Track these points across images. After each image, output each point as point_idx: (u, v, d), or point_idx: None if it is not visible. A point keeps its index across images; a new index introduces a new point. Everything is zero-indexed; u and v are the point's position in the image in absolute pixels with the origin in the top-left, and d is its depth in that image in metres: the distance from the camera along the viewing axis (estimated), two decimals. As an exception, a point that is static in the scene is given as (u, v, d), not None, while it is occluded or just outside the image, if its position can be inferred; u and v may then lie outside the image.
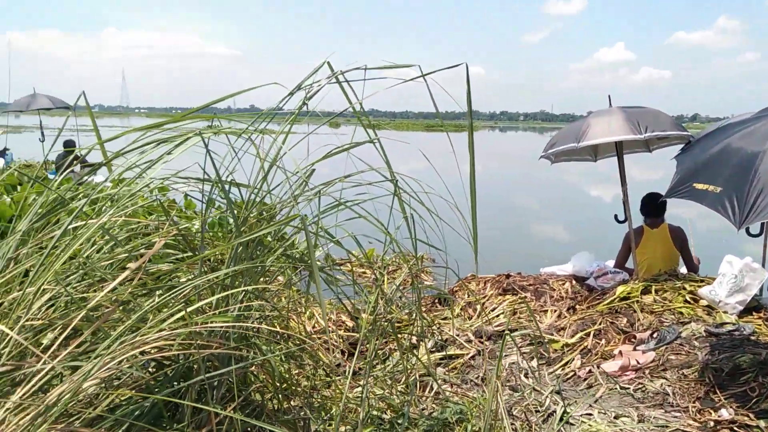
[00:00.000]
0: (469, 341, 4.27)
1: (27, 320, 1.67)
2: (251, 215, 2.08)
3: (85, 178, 9.23)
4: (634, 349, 3.85)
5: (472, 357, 4.07)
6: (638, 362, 3.65)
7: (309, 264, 2.12)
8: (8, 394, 1.66)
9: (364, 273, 6.13)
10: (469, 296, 5.28)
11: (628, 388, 3.39)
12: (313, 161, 2.25)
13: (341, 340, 4.32)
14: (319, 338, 4.28)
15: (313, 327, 4.47)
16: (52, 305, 1.83)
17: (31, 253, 1.88)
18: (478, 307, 4.93)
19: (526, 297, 5.12)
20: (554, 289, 5.26)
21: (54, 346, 1.62)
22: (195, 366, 2.00)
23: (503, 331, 4.39)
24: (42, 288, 1.69)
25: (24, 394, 1.53)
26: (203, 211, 2.19)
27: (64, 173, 2.42)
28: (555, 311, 4.78)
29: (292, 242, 2.24)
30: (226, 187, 2.06)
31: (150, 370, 2.00)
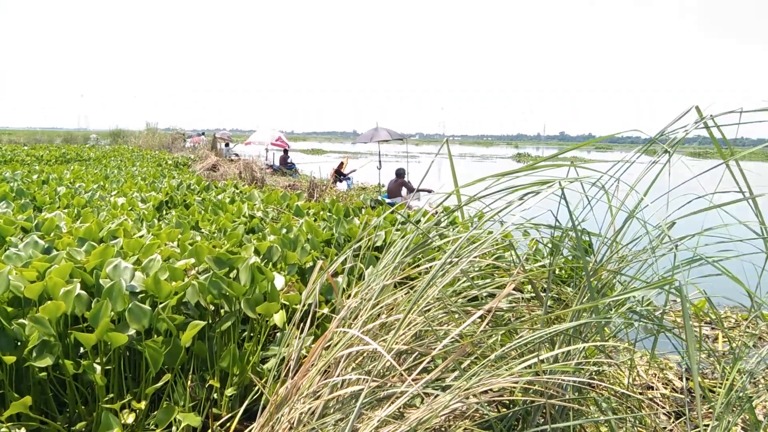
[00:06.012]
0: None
1: (395, 344, 1.87)
2: (601, 266, 2.02)
3: (412, 202, 10.12)
4: None
5: None
6: None
7: (660, 323, 1.96)
8: (373, 409, 1.88)
9: (700, 328, 5.50)
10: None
11: None
12: (671, 210, 2.08)
13: (666, 401, 3.91)
14: (641, 393, 3.94)
15: (633, 380, 4.14)
16: (412, 333, 2.03)
17: (393, 284, 2.12)
18: None
19: None
20: None
21: (416, 371, 1.78)
22: (531, 412, 2.00)
23: None
24: (408, 318, 1.88)
25: (389, 414, 1.70)
26: (551, 260, 2.20)
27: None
28: None
29: (641, 299, 2.11)
30: (572, 235, 2.03)
31: (489, 409, 2.08)
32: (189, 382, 3.15)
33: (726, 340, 4.76)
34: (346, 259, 2.94)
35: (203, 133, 42.10)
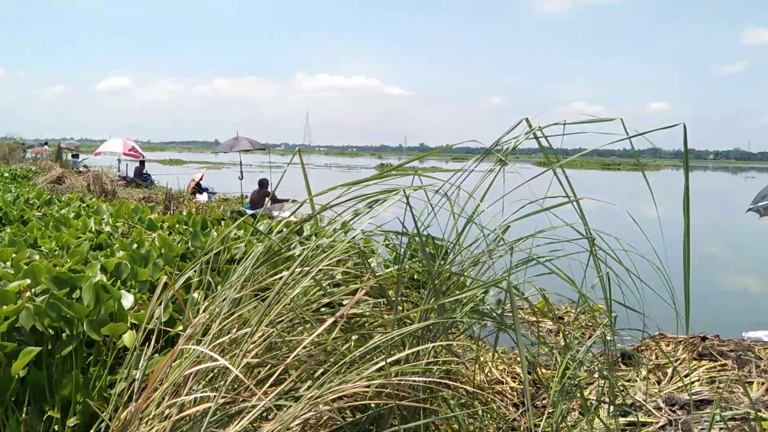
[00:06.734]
0: (659, 408, 3.90)
1: (244, 358, 1.84)
2: (445, 269, 2.12)
3: (275, 213, 9.95)
4: None
5: (662, 427, 3.71)
6: None
7: (501, 321, 2.10)
8: (224, 426, 1.83)
9: (540, 323, 5.95)
10: (657, 358, 4.85)
11: None
12: (507, 215, 2.25)
13: (515, 393, 4.19)
14: (492, 388, 4.19)
15: (486, 376, 4.39)
16: (265, 345, 2.00)
17: (249, 296, 2.08)
18: (669, 371, 4.50)
19: (726, 364, 4.58)
20: (761, 358, 4.65)
21: (267, 384, 1.76)
22: (384, 415, 2.05)
23: (699, 401, 3.96)
24: (258, 329, 1.85)
25: (240, 430, 1.67)
26: (400, 264, 2.28)
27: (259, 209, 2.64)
28: (762, 384, 4.21)
29: (482, 298, 2.25)
30: (422, 239, 2.12)
31: (343, 415, 2.10)
32: (23, 415, 2.87)
33: (564, 333, 5.17)
34: (201, 272, 2.84)
35: (47, 143, 38.65)
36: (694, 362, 4.72)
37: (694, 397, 4.04)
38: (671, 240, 2.72)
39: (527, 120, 2.26)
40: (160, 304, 2.24)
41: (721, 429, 3.45)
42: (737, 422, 3.64)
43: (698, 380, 4.37)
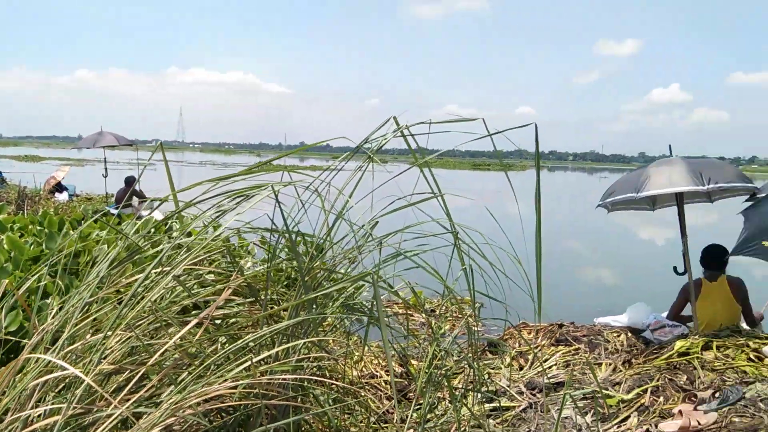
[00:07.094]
0: (521, 393, 4.17)
1: (99, 365, 1.72)
2: (315, 265, 2.12)
3: (142, 212, 9.44)
4: (695, 409, 3.68)
5: (524, 410, 3.96)
6: (699, 423, 3.48)
7: (371, 315, 2.13)
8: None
9: (411, 316, 6.12)
10: (520, 345, 5.18)
11: (690, 452, 3.24)
12: (375, 212, 2.29)
13: (388, 387, 4.28)
14: (366, 383, 4.26)
15: (360, 371, 4.45)
16: (124, 350, 1.89)
17: (106, 298, 1.96)
18: (530, 357, 4.82)
19: (579, 348, 4.98)
20: (609, 341, 5.10)
21: (124, 392, 1.67)
22: (252, 415, 2.02)
23: (556, 383, 4.27)
24: (114, 333, 1.75)
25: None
26: (269, 262, 2.24)
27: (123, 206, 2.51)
28: (610, 364, 4.63)
29: (352, 293, 2.28)
30: (291, 236, 2.11)
31: (210, 418, 2.04)
32: None
33: (435, 325, 5.36)
34: (57, 276, 2.63)
35: None
36: (552, 348, 5.09)
37: (551, 380, 4.35)
38: (533, 235, 2.91)
39: (395, 119, 2.32)
40: (1, 309, 2.04)
41: (573, 408, 3.75)
42: (588, 400, 3.97)
43: (555, 364, 4.72)
